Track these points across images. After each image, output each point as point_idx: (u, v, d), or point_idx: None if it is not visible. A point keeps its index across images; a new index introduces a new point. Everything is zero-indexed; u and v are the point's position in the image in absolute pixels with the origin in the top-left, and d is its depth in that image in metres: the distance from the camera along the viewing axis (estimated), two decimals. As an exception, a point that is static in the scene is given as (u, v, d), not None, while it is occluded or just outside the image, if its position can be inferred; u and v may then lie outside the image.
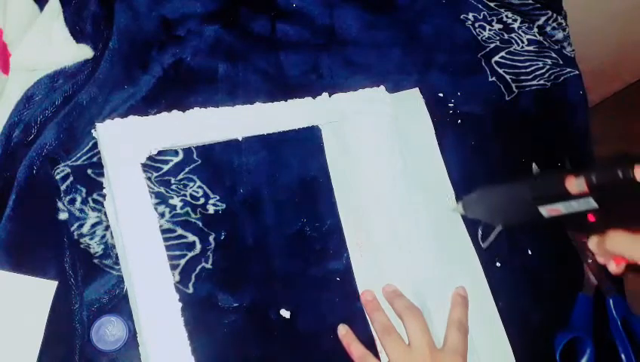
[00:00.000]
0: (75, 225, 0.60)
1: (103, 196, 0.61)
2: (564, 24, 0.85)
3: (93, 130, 0.60)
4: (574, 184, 0.55)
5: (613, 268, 0.59)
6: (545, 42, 0.83)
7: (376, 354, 0.62)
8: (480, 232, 0.68)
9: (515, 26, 0.83)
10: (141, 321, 0.54)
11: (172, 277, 0.55)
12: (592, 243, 0.60)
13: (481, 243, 0.68)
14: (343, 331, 0.62)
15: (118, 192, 0.55)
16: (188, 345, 0.54)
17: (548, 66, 0.81)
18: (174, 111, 0.60)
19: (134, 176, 0.56)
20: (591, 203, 0.55)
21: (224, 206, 0.65)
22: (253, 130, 0.63)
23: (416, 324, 0.59)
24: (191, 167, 0.65)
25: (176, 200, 0.63)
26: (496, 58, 0.79)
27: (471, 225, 0.69)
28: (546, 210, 0.58)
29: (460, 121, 0.75)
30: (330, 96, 0.67)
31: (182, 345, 0.53)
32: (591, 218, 0.57)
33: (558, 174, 0.57)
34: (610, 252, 0.57)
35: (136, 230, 0.55)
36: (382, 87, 0.69)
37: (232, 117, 0.62)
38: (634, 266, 0.57)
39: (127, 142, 0.57)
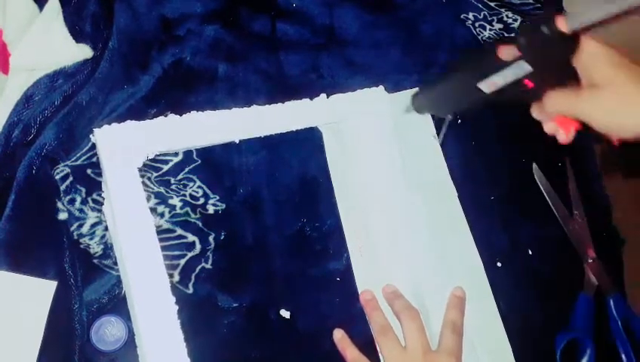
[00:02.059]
0: (75, 225, 0.60)
1: (103, 196, 0.61)
2: (564, 24, 0.84)
3: (91, 135, 0.60)
4: (506, 51, 0.56)
5: (563, 137, 0.58)
6: (545, 42, 0.82)
7: (376, 354, 0.62)
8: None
9: (516, 25, 0.83)
10: (138, 323, 0.54)
11: (169, 280, 0.55)
12: (535, 111, 0.59)
13: (437, 140, 0.69)
14: (339, 335, 0.62)
15: (116, 196, 0.56)
16: (184, 348, 0.54)
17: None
18: (171, 115, 0.60)
19: (131, 180, 0.56)
20: (525, 67, 0.55)
21: (224, 206, 0.64)
22: (251, 133, 0.63)
23: (412, 325, 0.59)
24: (191, 167, 0.65)
25: (175, 201, 0.63)
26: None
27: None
28: (486, 86, 0.59)
29: (460, 120, 0.75)
30: (328, 97, 0.66)
31: (178, 347, 0.53)
32: (528, 84, 0.57)
33: (491, 46, 0.58)
34: (551, 113, 0.57)
35: (133, 234, 0.55)
36: (381, 87, 0.69)
37: (229, 120, 0.62)
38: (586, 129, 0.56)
39: (124, 146, 0.57)
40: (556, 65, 0.57)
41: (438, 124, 0.73)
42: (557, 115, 0.57)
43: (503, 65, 0.56)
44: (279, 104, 0.64)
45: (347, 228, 0.67)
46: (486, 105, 0.61)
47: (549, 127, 0.59)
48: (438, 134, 0.70)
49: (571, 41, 0.55)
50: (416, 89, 0.67)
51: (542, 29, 0.53)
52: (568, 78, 0.57)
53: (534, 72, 0.56)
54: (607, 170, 0.81)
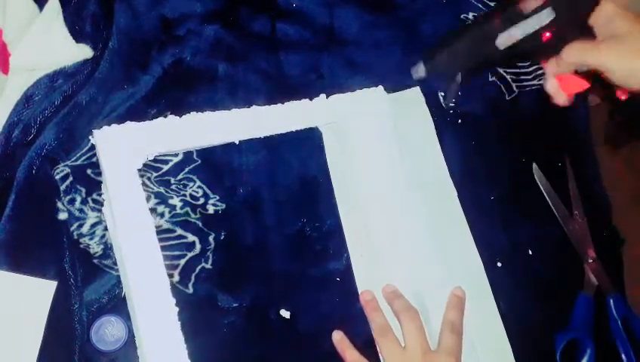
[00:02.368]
0: (75, 225, 0.60)
1: (103, 197, 0.61)
2: (564, 24, 0.84)
3: (90, 137, 0.60)
4: (529, 3, 0.59)
5: (562, 99, 0.62)
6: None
7: (377, 355, 0.62)
8: (441, 95, 0.70)
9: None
10: (138, 324, 0.54)
11: (169, 280, 0.55)
12: (551, 64, 0.61)
13: (444, 104, 0.71)
14: (338, 337, 0.62)
15: (115, 197, 0.56)
16: (184, 348, 0.54)
17: (548, 66, 0.81)
18: (170, 116, 0.60)
19: (131, 181, 0.56)
20: (548, 14, 0.58)
21: (224, 206, 0.64)
22: (250, 134, 0.63)
23: (412, 326, 0.59)
24: (191, 167, 0.65)
25: (175, 200, 0.63)
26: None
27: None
28: (504, 39, 0.60)
29: (460, 120, 0.75)
30: (327, 97, 0.66)
31: (178, 347, 0.54)
32: (545, 37, 0.60)
33: None
34: (569, 64, 0.60)
35: (133, 235, 0.55)
36: (380, 87, 0.69)
37: (229, 121, 0.62)
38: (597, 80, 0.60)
39: (123, 147, 0.57)
40: (578, 18, 0.59)
41: (438, 123, 0.73)
42: (573, 66, 0.60)
43: (525, 15, 0.59)
44: (279, 104, 0.64)
45: (347, 228, 0.67)
46: (500, 61, 0.64)
47: (550, 85, 0.62)
48: (447, 99, 0.70)
49: None
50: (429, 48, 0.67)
51: None
52: (585, 32, 0.59)
53: (556, 21, 0.58)
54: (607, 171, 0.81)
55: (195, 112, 0.61)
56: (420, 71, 0.66)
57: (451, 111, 0.75)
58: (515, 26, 0.59)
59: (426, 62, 0.66)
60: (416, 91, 0.74)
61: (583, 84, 0.65)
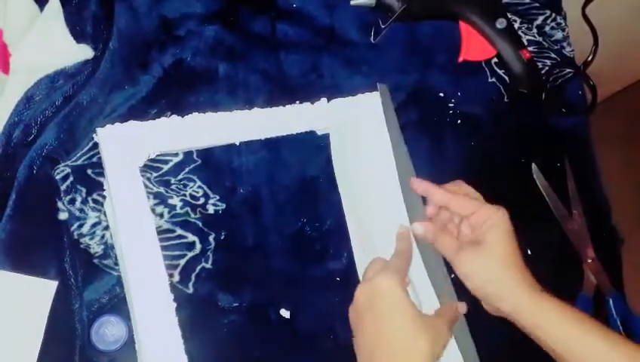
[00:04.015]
0: (75, 225, 0.60)
1: (103, 196, 0.61)
2: (563, 24, 0.84)
3: (94, 135, 0.60)
4: None
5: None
6: (544, 43, 0.82)
7: None
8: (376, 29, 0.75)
9: (515, 26, 0.83)
10: (137, 323, 0.54)
11: (168, 280, 0.56)
12: (428, 231, 0.64)
13: (372, 39, 0.76)
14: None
15: (117, 195, 0.56)
16: (183, 347, 0.54)
17: (547, 67, 0.81)
18: (173, 116, 0.60)
19: (133, 179, 0.57)
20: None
21: (224, 206, 0.65)
22: (252, 135, 0.63)
23: (398, 249, 0.62)
24: (191, 167, 0.65)
25: (175, 200, 0.63)
26: (496, 59, 0.79)
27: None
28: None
29: (459, 121, 0.75)
30: (328, 101, 0.66)
31: (177, 346, 0.54)
32: None
33: None
34: (436, 243, 0.64)
35: (133, 232, 0.55)
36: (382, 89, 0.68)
37: (231, 122, 0.62)
38: None
39: (126, 145, 0.57)
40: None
41: (439, 123, 0.73)
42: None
43: None
44: (280, 107, 0.64)
45: (351, 228, 0.67)
46: (450, 16, 0.76)
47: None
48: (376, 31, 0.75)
49: None
50: None
51: None
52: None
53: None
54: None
55: (197, 113, 0.61)
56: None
57: (450, 111, 0.75)
58: None
59: None
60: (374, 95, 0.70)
61: (490, 52, 0.75)
